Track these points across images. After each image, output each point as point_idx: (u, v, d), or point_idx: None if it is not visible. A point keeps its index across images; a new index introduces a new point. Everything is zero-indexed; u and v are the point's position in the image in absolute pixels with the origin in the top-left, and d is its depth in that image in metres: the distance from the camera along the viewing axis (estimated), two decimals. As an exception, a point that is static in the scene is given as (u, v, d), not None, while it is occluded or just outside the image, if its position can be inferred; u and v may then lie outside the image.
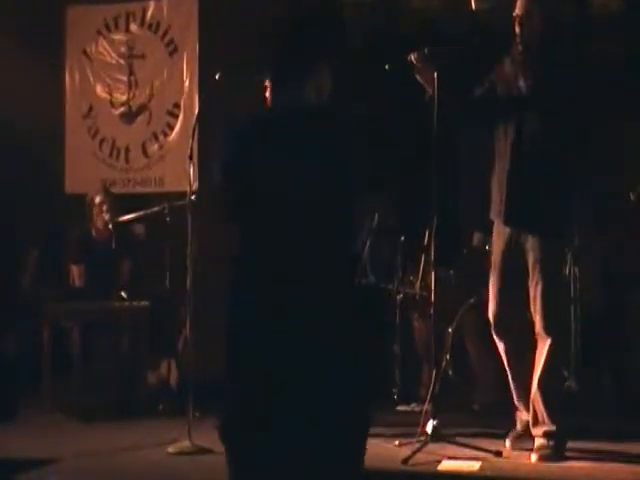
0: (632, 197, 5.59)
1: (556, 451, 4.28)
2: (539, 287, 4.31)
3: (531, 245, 4.34)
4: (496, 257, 4.49)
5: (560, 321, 4.50)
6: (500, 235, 4.48)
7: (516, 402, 4.55)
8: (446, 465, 4.15)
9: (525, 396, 4.45)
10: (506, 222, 4.41)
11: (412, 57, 4.44)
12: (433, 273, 4.68)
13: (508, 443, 4.50)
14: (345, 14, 6.98)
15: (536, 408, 4.36)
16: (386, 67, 4.60)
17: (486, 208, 4.57)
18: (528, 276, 4.36)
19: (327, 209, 2.66)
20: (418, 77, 4.48)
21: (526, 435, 4.44)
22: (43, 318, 5.90)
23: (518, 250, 4.38)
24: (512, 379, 4.53)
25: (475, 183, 6.17)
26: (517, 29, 4.41)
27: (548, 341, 4.30)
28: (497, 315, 4.44)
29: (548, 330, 4.30)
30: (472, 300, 5.72)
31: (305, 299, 2.62)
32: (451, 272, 6.10)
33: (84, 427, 5.28)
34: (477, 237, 6.16)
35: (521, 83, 4.43)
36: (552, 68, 4.35)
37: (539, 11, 4.38)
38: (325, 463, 2.62)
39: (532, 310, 4.37)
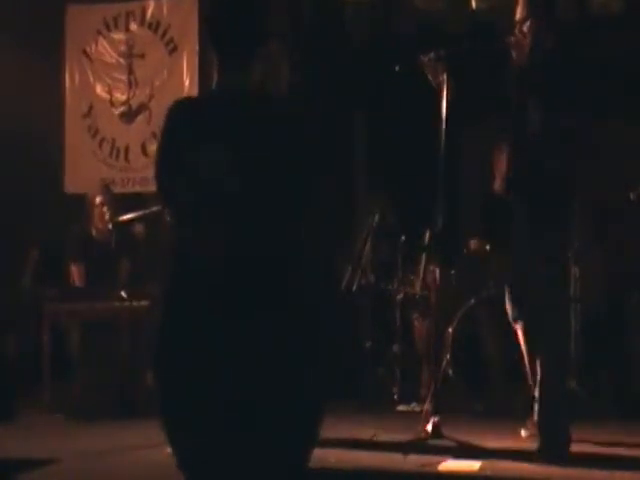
0: (632, 197, 5.60)
1: (558, 450, 4.30)
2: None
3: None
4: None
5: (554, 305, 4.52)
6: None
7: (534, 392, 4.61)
8: (446, 465, 4.15)
9: None
10: (509, 189, 4.52)
11: (424, 58, 4.45)
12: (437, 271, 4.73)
13: (524, 432, 4.58)
14: (345, 14, 6.99)
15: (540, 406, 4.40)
16: (396, 68, 4.59)
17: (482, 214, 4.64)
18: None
19: (263, 195, 2.56)
20: (430, 78, 4.49)
21: None
22: (43, 318, 5.90)
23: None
24: (528, 368, 4.58)
25: (473, 186, 6.19)
26: (517, 34, 4.45)
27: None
28: (511, 304, 4.54)
29: (546, 323, 4.37)
30: (472, 300, 5.73)
31: (245, 288, 2.54)
32: (451, 272, 6.11)
33: (84, 427, 5.28)
34: (474, 243, 6.17)
35: (520, 87, 4.49)
36: (551, 73, 4.39)
37: (538, 16, 4.43)
38: (258, 453, 2.55)
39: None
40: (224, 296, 2.53)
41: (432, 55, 4.44)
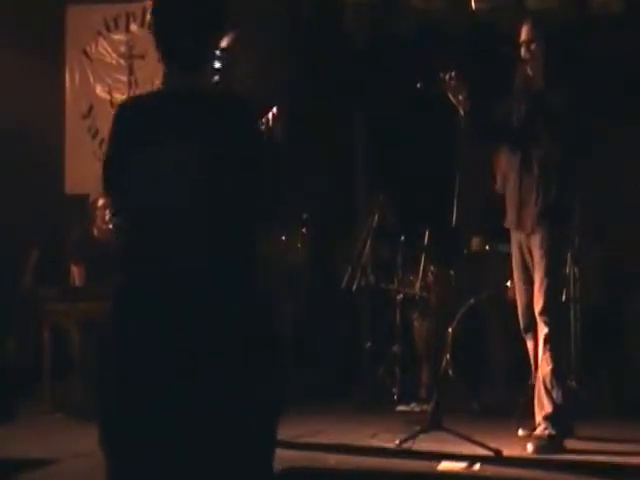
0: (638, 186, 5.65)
1: (554, 442, 4.34)
2: (541, 278, 4.52)
3: (536, 243, 4.57)
4: (515, 262, 4.75)
5: (557, 310, 4.65)
6: (516, 242, 4.73)
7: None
8: (446, 465, 4.15)
9: None
10: (518, 228, 4.68)
11: (445, 76, 4.47)
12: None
13: (521, 432, 4.67)
14: (345, 14, 6.99)
15: (538, 399, 4.49)
16: (418, 85, 4.61)
17: (484, 213, 4.70)
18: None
19: (207, 197, 2.44)
20: (450, 95, 4.52)
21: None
22: (43, 318, 5.90)
23: (530, 253, 4.63)
24: (535, 379, 4.68)
25: (474, 187, 6.19)
26: (523, 54, 4.58)
27: (545, 330, 4.48)
28: (523, 316, 4.70)
29: (546, 318, 4.49)
30: (472, 300, 5.74)
31: (189, 293, 2.42)
32: (451, 272, 6.11)
33: (84, 427, 5.27)
34: (475, 242, 6.18)
35: (524, 107, 4.61)
36: (554, 91, 4.53)
37: (544, 37, 4.53)
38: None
39: (534, 301, 4.55)
40: (173, 305, 2.42)
41: (453, 73, 4.47)
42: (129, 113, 2.59)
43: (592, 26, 6.37)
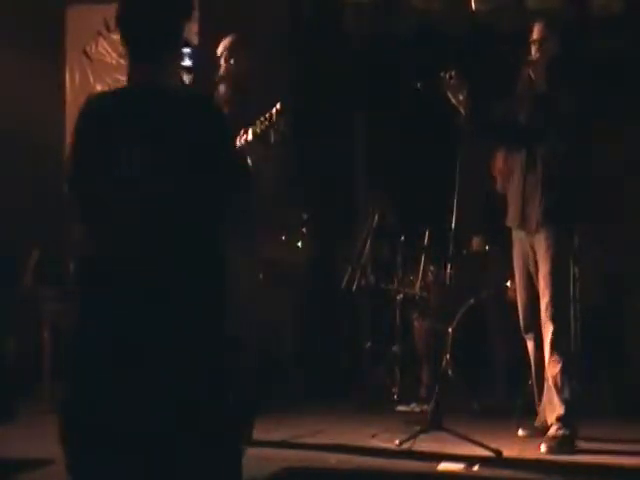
0: None
1: (566, 442, 4.37)
2: (546, 277, 4.53)
3: (541, 242, 4.57)
4: (517, 262, 4.75)
5: (564, 308, 4.66)
6: (518, 241, 4.73)
7: (537, 402, 4.71)
8: (446, 465, 4.16)
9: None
10: (522, 226, 4.67)
11: (446, 75, 4.47)
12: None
13: (521, 432, 4.69)
14: (345, 14, 6.98)
15: (548, 399, 4.52)
16: (418, 85, 4.60)
17: (484, 212, 4.70)
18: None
19: (178, 193, 2.40)
20: (450, 95, 4.51)
21: (540, 432, 4.57)
22: (43, 318, 5.90)
23: (534, 252, 4.62)
24: (534, 379, 4.75)
25: (474, 187, 6.19)
26: (534, 53, 4.60)
27: (551, 328, 4.50)
28: (523, 316, 4.71)
29: (552, 317, 4.50)
30: (472, 300, 5.73)
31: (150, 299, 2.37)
32: (451, 272, 6.10)
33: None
34: (476, 241, 6.19)
35: (528, 105, 4.63)
36: (561, 92, 4.55)
37: (555, 37, 4.53)
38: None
39: (540, 300, 4.56)
40: (132, 307, 2.39)
41: (453, 73, 4.47)
42: (93, 112, 2.54)
43: (592, 26, 6.37)
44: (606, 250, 6.16)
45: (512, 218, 4.72)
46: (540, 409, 4.72)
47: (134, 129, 2.44)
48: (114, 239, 2.44)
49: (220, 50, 4.79)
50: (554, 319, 4.49)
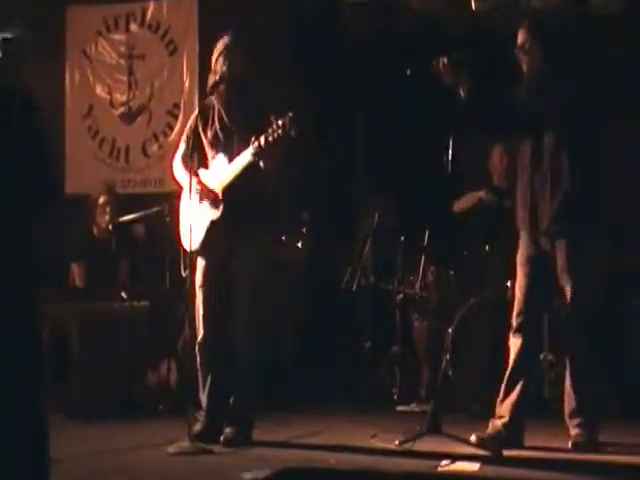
0: None
1: (590, 439, 4.42)
2: (568, 285, 4.46)
3: (559, 246, 4.47)
4: (521, 260, 4.64)
5: (583, 315, 4.59)
6: (525, 242, 4.63)
7: (498, 405, 4.61)
8: (446, 465, 4.15)
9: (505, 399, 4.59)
10: (532, 229, 4.57)
11: (442, 60, 4.44)
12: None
13: (474, 438, 4.51)
14: (345, 14, 6.99)
15: (571, 399, 4.49)
16: (407, 72, 4.58)
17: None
18: (553, 277, 4.52)
19: None
20: (447, 80, 4.48)
21: (497, 437, 4.50)
22: (43, 318, 5.89)
23: (541, 254, 4.54)
24: (507, 379, 4.61)
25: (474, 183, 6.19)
26: (520, 58, 4.56)
27: (572, 333, 4.51)
28: (519, 313, 4.60)
29: (573, 323, 4.49)
30: (472, 300, 5.73)
31: None
32: (451, 272, 6.11)
33: (84, 427, 5.28)
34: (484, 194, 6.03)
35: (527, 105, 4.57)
36: (553, 95, 4.49)
37: (539, 42, 4.50)
38: None
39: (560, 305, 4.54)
40: None
41: (446, 59, 4.44)
42: None
43: (592, 26, 6.37)
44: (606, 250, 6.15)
45: (521, 219, 4.62)
46: (502, 410, 4.59)
47: None
48: None
49: (215, 55, 4.78)
50: (574, 326, 4.49)
